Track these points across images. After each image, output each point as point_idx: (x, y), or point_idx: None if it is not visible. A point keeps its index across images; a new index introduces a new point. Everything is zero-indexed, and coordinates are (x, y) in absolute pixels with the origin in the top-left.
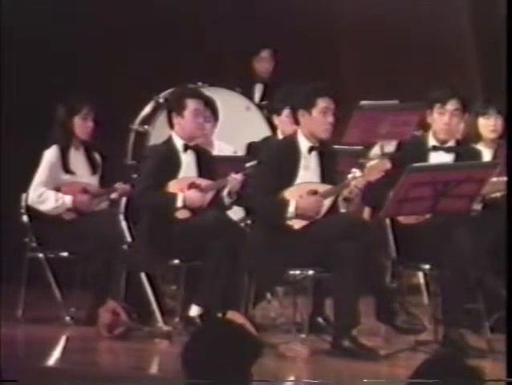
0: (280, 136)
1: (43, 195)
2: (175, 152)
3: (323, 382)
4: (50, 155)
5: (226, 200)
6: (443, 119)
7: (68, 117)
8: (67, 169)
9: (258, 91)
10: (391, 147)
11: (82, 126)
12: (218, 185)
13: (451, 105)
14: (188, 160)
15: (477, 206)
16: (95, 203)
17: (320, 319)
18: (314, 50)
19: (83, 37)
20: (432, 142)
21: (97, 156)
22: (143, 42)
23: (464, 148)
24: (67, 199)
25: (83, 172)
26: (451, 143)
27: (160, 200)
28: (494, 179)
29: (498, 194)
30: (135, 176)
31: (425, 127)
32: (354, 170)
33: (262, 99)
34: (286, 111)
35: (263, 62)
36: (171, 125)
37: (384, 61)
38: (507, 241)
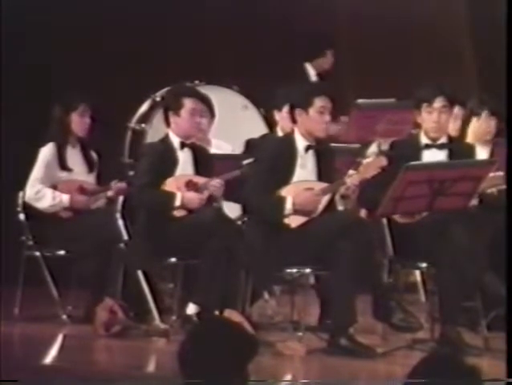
0: (279, 133)
1: (40, 192)
2: (172, 150)
3: (320, 381)
4: (47, 152)
5: (215, 205)
6: (432, 118)
7: (65, 114)
8: (63, 167)
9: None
10: (388, 145)
11: (79, 122)
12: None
13: (438, 102)
14: (184, 158)
15: (474, 201)
16: (92, 201)
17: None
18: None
19: (82, 34)
20: (424, 140)
21: (93, 154)
22: (140, 40)
23: (457, 145)
24: (64, 198)
25: (79, 170)
26: (443, 140)
27: (158, 198)
28: (491, 174)
29: (494, 189)
30: (131, 173)
31: (419, 126)
32: (351, 172)
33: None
34: (286, 107)
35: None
36: (167, 123)
37: (383, 60)
38: (506, 238)
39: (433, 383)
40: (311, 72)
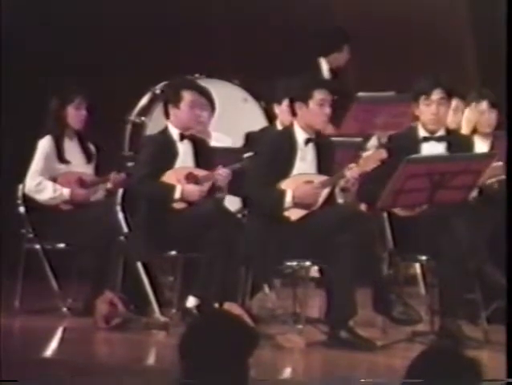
0: (279, 126)
1: (41, 184)
2: (171, 142)
3: (319, 380)
4: (45, 144)
5: (218, 195)
6: (430, 110)
7: (61, 107)
8: (61, 159)
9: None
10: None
11: (75, 115)
12: (209, 179)
13: (436, 94)
14: (185, 150)
15: (473, 193)
16: (92, 192)
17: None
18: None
19: (80, 29)
20: (422, 133)
21: (91, 147)
22: (140, 33)
23: (454, 137)
24: (65, 191)
25: (77, 162)
26: (441, 133)
27: (157, 190)
28: None
29: (494, 180)
30: (130, 164)
31: (417, 118)
32: (351, 164)
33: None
34: (286, 101)
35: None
36: (167, 115)
37: (383, 54)
38: (506, 230)
39: (433, 382)
40: (324, 67)
